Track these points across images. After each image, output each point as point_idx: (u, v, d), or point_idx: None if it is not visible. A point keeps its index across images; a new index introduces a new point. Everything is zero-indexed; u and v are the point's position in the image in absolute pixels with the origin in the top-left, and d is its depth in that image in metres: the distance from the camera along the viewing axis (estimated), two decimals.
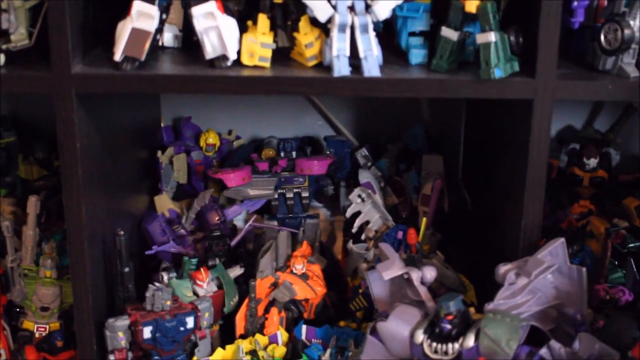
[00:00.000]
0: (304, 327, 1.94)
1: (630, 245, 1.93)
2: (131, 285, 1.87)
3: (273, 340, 1.92)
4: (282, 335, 1.93)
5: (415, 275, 1.70)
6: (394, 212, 2.20)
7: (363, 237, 2.14)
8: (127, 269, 1.85)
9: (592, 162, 2.24)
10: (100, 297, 1.83)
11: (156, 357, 1.82)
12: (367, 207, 2.13)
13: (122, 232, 1.82)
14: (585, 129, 2.40)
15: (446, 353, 1.59)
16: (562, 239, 1.63)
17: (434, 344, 1.60)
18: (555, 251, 1.63)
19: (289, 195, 2.23)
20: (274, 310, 1.97)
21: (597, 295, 1.80)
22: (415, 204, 2.22)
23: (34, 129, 2.36)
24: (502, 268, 1.66)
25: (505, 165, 1.90)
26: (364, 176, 2.25)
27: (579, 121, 2.45)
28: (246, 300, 1.95)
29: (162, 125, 2.40)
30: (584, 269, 1.63)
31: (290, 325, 1.99)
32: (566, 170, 2.29)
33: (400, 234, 2.04)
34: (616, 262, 1.93)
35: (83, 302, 1.77)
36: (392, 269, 1.71)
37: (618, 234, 1.97)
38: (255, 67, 1.69)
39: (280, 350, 1.89)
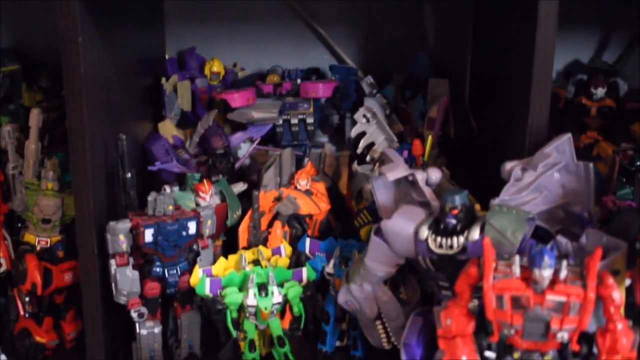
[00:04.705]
0: (307, 240, 1.91)
1: (639, 163, 1.92)
2: (133, 191, 1.85)
3: (276, 252, 1.89)
4: (286, 248, 1.90)
5: (420, 176, 1.68)
6: (399, 139, 2.18)
7: (368, 158, 2.11)
8: (129, 175, 1.83)
9: (600, 91, 2.23)
10: (101, 204, 1.81)
11: (158, 263, 1.79)
12: (372, 127, 2.11)
13: (124, 137, 1.80)
14: (592, 60, 2.38)
15: (451, 247, 1.56)
16: (569, 134, 1.61)
17: (439, 238, 1.57)
18: (561, 147, 1.61)
19: (294, 121, 2.22)
20: (277, 224, 1.95)
21: (604, 206, 1.77)
22: (421, 130, 2.20)
23: (39, 61, 2.33)
24: (509, 164, 1.63)
25: (512, 80, 1.87)
26: (370, 103, 2.22)
27: (586, 55, 2.43)
28: (249, 212, 1.93)
29: (166, 57, 2.39)
30: (591, 165, 1.60)
31: (294, 242, 1.95)
32: (573, 100, 2.28)
33: (405, 154, 2.02)
34: (624, 180, 1.92)
35: (84, 206, 1.75)
36: (397, 170, 1.69)
37: (626, 154, 1.97)
38: None
39: (283, 261, 1.86)
